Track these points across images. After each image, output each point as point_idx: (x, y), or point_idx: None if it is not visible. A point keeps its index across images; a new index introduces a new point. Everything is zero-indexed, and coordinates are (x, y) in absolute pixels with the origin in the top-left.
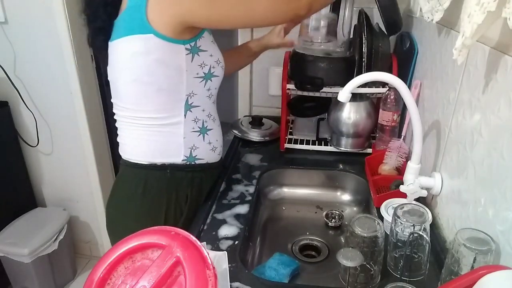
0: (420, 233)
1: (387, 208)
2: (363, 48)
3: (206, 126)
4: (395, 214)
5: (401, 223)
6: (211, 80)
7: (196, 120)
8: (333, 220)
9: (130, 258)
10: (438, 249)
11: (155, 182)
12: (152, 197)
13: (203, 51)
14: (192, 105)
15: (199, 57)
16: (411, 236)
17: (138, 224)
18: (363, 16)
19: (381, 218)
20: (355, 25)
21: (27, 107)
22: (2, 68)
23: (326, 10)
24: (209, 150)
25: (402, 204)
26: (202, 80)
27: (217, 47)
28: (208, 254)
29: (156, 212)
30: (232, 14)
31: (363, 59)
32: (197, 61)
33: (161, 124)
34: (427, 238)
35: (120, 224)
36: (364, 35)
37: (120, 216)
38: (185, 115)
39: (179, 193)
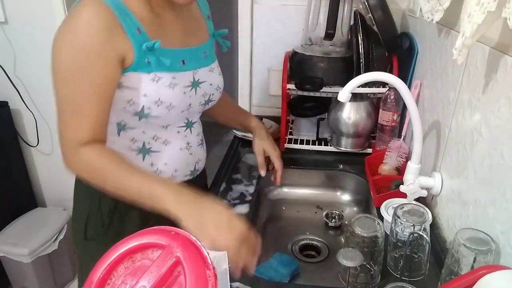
0: (420, 233)
1: (387, 208)
2: (360, 49)
3: (150, 148)
4: (395, 214)
5: (401, 223)
6: (147, 118)
7: (134, 140)
8: (333, 220)
9: (130, 258)
10: (438, 249)
11: (84, 185)
12: (80, 200)
13: (129, 89)
14: (126, 127)
15: (123, 93)
16: (411, 236)
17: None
18: (358, 17)
19: (381, 218)
20: (351, 25)
21: (27, 107)
22: (2, 68)
23: (325, 10)
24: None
25: (402, 204)
26: (134, 116)
27: (171, 90)
28: (208, 254)
29: (81, 216)
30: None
31: (361, 60)
32: (123, 96)
33: None
34: (427, 238)
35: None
36: (360, 36)
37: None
38: (118, 134)
39: (102, 207)
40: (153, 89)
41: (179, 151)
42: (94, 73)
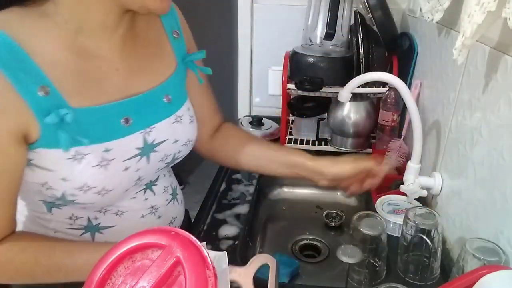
0: (432, 236)
1: (382, 204)
2: (360, 49)
3: (98, 224)
4: (406, 217)
5: (412, 225)
6: (71, 205)
7: (74, 217)
8: (333, 220)
9: (130, 258)
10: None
11: None
12: None
13: (42, 169)
14: (57, 204)
15: (34, 173)
16: (415, 239)
17: None
18: (358, 17)
19: None
20: (351, 25)
21: None
22: None
23: (325, 10)
24: None
25: (414, 207)
26: (58, 200)
27: (103, 170)
28: (208, 254)
29: None
30: None
31: (361, 60)
32: (35, 177)
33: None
34: (438, 242)
35: None
36: (360, 36)
37: None
38: (49, 211)
39: None
40: (74, 172)
41: (141, 219)
42: None
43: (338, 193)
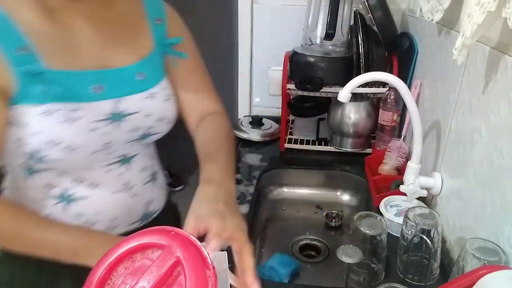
0: (432, 237)
1: (386, 205)
2: (360, 49)
3: (72, 194)
4: (406, 217)
5: (412, 226)
6: (44, 163)
7: (49, 186)
8: (333, 220)
9: (130, 258)
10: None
11: None
12: None
13: (17, 126)
14: (32, 170)
15: (10, 130)
16: (415, 239)
17: None
18: (358, 17)
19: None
20: (351, 25)
21: None
22: None
23: (325, 10)
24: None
25: (413, 207)
26: (30, 159)
27: (68, 126)
28: (208, 254)
29: None
30: None
31: (361, 60)
32: (10, 135)
33: None
34: (438, 242)
35: None
36: (360, 36)
37: None
38: (25, 179)
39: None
40: (44, 125)
41: (114, 195)
42: None
43: (338, 193)
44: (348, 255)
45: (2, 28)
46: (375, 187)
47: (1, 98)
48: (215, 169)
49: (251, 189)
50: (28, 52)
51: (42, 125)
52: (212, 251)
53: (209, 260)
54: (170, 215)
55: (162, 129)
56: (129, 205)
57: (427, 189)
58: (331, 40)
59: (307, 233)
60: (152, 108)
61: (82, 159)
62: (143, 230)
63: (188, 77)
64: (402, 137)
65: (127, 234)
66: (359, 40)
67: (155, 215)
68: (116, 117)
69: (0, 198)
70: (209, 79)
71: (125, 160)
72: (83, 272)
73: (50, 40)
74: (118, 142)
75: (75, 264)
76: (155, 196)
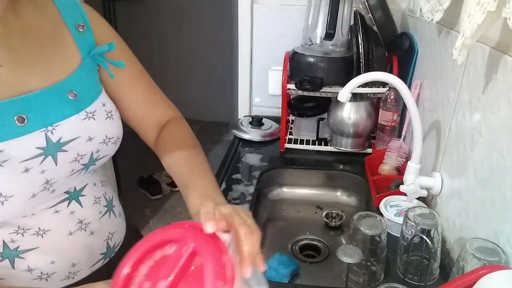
0: (431, 236)
1: (386, 205)
2: (360, 49)
3: (17, 248)
4: (406, 217)
5: (412, 226)
6: None
7: None
8: (333, 220)
9: (150, 256)
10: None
11: None
12: None
13: None
14: None
15: None
16: (415, 238)
17: None
18: (358, 17)
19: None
20: (351, 25)
21: None
22: None
23: (325, 10)
24: (31, 281)
25: (413, 207)
26: None
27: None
28: (222, 240)
29: None
30: None
31: (361, 60)
32: None
33: None
34: (437, 242)
35: None
36: (360, 36)
37: None
38: None
39: None
40: None
41: (69, 237)
42: None
43: (338, 193)
44: (348, 255)
45: None
46: (375, 187)
47: None
48: (197, 196)
49: (251, 189)
50: None
51: None
52: (226, 235)
53: (224, 246)
54: (134, 241)
55: (109, 151)
56: (88, 245)
57: (427, 189)
58: (331, 40)
59: (307, 233)
60: (92, 130)
61: (18, 209)
62: (158, 229)
63: (132, 88)
64: (402, 137)
65: (90, 277)
66: (359, 40)
67: (118, 247)
68: (51, 149)
69: None
70: (153, 83)
71: (73, 195)
72: None
73: None
74: (60, 177)
75: None
76: (115, 227)
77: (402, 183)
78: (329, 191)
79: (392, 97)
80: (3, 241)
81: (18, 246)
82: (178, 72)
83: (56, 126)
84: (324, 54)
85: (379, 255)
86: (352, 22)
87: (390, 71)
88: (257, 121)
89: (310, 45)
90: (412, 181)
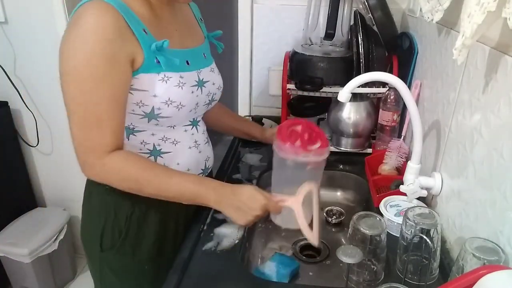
0: (431, 236)
1: (386, 205)
2: (360, 49)
3: (160, 149)
4: (405, 217)
5: (412, 225)
6: (156, 120)
7: (144, 143)
8: (334, 217)
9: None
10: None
11: (97, 196)
12: (93, 211)
13: (139, 91)
14: (135, 130)
15: (132, 95)
16: (415, 238)
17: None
18: (358, 17)
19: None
20: (351, 25)
21: (27, 107)
22: (2, 68)
23: (325, 10)
24: None
25: (413, 207)
26: (143, 118)
27: (180, 89)
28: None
29: (95, 228)
30: None
31: (361, 60)
32: (132, 99)
33: None
34: (437, 242)
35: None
36: (360, 36)
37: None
38: (128, 138)
39: (118, 214)
40: (163, 89)
41: (189, 150)
42: (110, 79)
43: (338, 193)
44: (348, 255)
45: (128, 15)
46: (375, 187)
47: (131, 66)
48: (253, 124)
49: None
50: (147, 34)
51: (161, 89)
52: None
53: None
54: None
55: (218, 96)
56: (197, 159)
57: (427, 189)
58: (331, 40)
59: None
60: (214, 78)
61: (182, 116)
62: (290, 120)
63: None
64: (402, 137)
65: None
66: (359, 40)
67: (209, 171)
68: (200, 83)
69: (127, 152)
70: None
71: (194, 123)
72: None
73: (155, 27)
74: (201, 103)
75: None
76: (210, 155)
77: (402, 183)
78: (329, 191)
79: (392, 97)
80: (153, 144)
81: (161, 149)
82: None
83: (201, 71)
84: (324, 54)
85: (379, 255)
86: (352, 22)
87: (390, 71)
88: (257, 121)
89: (310, 45)
90: (412, 181)
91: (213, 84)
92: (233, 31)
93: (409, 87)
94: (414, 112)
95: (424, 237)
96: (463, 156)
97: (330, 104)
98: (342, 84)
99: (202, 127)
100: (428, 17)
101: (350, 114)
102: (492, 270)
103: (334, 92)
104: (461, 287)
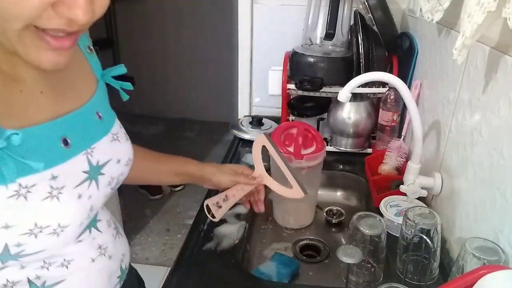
0: (431, 236)
1: (386, 205)
2: (360, 49)
3: (44, 282)
4: (405, 217)
5: (412, 225)
6: (17, 260)
7: (12, 283)
8: (334, 216)
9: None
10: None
11: None
12: None
13: None
14: None
15: None
16: (415, 238)
17: None
18: (358, 17)
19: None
20: (351, 25)
21: None
22: None
23: (325, 10)
24: None
25: (413, 207)
26: None
27: (54, 202)
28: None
29: None
30: None
31: (361, 60)
32: None
33: None
34: (437, 242)
35: None
36: (360, 36)
37: None
38: None
39: None
40: (19, 212)
41: (92, 265)
42: None
43: (338, 193)
44: (348, 255)
45: None
46: (375, 187)
47: None
48: (186, 160)
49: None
50: None
51: (16, 213)
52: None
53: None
54: (132, 274)
55: (127, 174)
56: (108, 271)
57: (427, 189)
58: (331, 40)
59: (307, 233)
60: (119, 152)
61: (69, 240)
62: (285, 123)
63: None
64: (402, 137)
65: None
66: (359, 40)
67: (127, 270)
68: (94, 172)
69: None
70: None
71: (92, 222)
72: None
73: (2, 98)
74: (98, 203)
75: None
76: (125, 249)
77: (402, 183)
78: (329, 191)
79: (392, 97)
80: (28, 279)
81: (45, 282)
82: (178, 72)
83: (93, 148)
84: (324, 54)
85: (379, 255)
86: (352, 22)
87: (390, 71)
88: (257, 121)
89: (310, 45)
90: (412, 181)
91: (118, 162)
92: (233, 31)
93: (409, 87)
94: (414, 112)
95: (424, 237)
96: (463, 156)
97: (330, 104)
98: (342, 84)
99: (104, 217)
100: (428, 17)
101: (350, 114)
102: (492, 270)
103: (334, 92)
104: (461, 287)
